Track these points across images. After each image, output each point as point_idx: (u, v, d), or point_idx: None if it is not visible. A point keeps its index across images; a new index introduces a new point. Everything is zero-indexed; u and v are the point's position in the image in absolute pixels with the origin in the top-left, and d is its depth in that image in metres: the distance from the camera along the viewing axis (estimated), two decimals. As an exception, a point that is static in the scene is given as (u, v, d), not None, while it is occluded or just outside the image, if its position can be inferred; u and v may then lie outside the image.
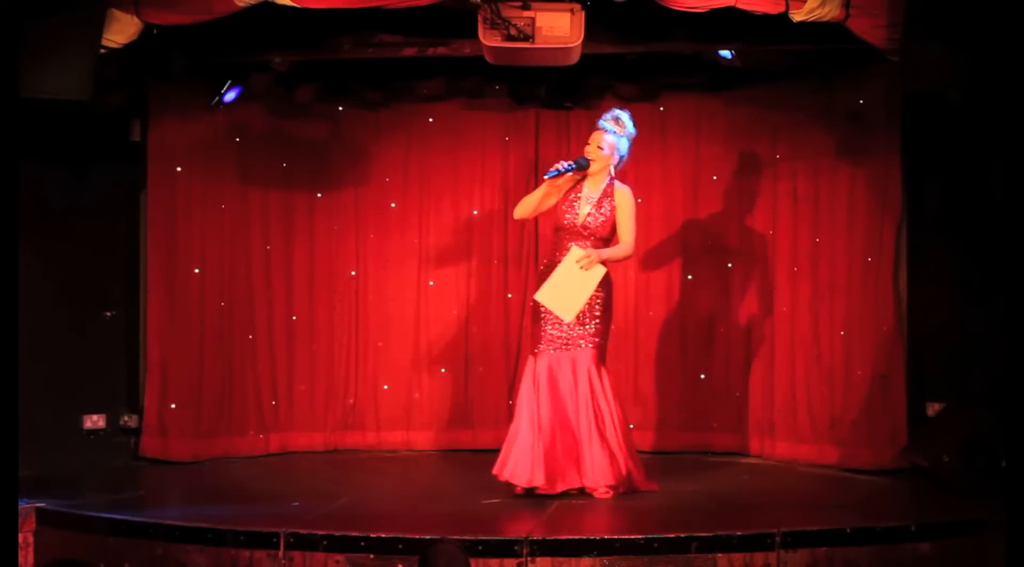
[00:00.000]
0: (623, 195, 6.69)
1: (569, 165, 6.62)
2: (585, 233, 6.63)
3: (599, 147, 6.65)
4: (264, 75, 7.82)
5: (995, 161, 6.69)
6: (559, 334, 6.57)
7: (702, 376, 8.15)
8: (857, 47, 6.59)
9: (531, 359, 6.66)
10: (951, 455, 6.66)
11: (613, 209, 6.64)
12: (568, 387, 6.53)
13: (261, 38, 7.25)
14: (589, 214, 6.63)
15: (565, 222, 6.67)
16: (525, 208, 6.79)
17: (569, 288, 6.48)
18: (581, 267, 6.47)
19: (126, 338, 7.99)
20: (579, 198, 6.67)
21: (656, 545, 5.43)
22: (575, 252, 6.51)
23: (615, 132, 6.70)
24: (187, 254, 8.02)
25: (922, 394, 7.38)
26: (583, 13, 6.58)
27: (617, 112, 6.75)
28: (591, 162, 6.65)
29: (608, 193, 6.66)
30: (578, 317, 6.52)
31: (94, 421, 7.81)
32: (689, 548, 5.44)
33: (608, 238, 6.68)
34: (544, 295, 6.52)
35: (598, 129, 6.71)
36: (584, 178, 6.70)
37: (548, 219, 7.18)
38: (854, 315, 7.58)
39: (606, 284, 6.60)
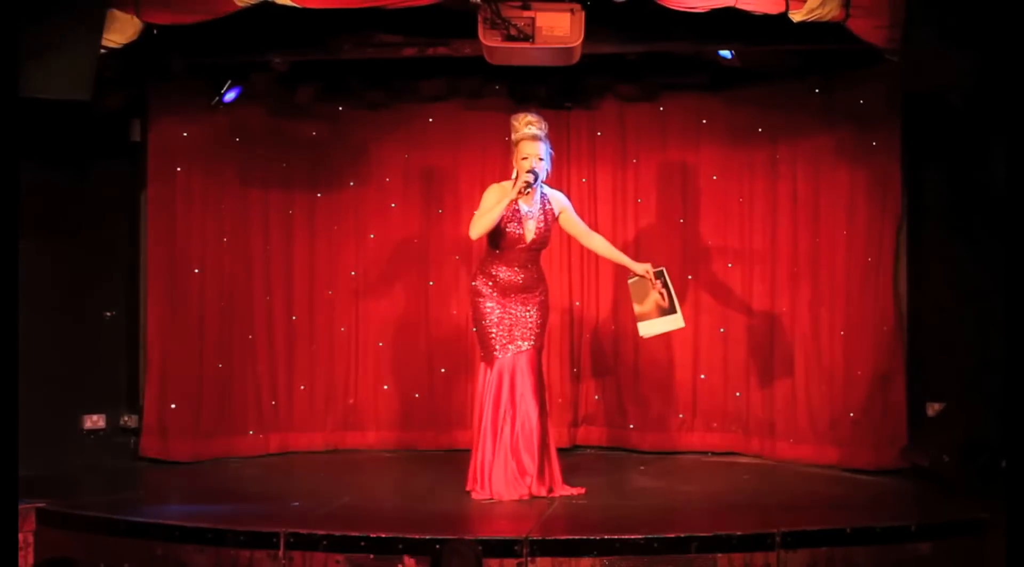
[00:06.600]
0: (565, 202, 6.68)
1: (535, 180, 6.44)
2: (532, 247, 6.59)
3: (540, 158, 6.47)
4: (264, 75, 7.82)
5: (995, 161, 6.68)
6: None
7: (702, 376, 8.15)
8: (857, 47, 6.59)
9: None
10: (951, 455, 6.66)
11: (553, 220, 6.60)
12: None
13: (261, 38, 7.24)
14: (537, 229, 6.56)
15: (509, 239, 6.51)
16: (484, 227, 6.44)
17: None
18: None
19: (126, 338, 7.99)
20: (519, 213, 6.49)
21: (656, 545, 5.44)
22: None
23: (545, 138, 6.52)
24: (187, 254, 8.02)
25: (922, 394, 7.38)
26: (583, 13, 6.56)
27: (538, 117, 6.53)
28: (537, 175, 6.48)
29: (545, 203, 6.59)
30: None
31: (94, 421, 7.81)
32: (689, 548, 5.44)
33: (546, 246, 6.68)
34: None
35: (534, 139, 6.44)
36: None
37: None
38: (854, 315, 7.58)
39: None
